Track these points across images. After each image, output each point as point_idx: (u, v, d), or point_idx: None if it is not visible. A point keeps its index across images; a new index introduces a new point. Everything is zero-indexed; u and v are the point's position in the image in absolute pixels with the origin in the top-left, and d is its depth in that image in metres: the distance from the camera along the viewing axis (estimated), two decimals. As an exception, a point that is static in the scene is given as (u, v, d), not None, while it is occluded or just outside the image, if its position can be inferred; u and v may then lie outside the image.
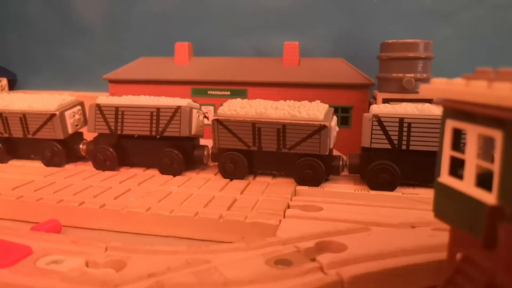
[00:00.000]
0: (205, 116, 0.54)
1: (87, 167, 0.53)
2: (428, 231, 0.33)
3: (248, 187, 0.45)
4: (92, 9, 0.86)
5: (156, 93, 0.55)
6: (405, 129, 0.44)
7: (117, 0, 0.84)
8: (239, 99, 0.51)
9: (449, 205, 0.23)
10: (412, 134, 0.44)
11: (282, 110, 0.46)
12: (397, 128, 0.44)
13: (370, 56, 0.64)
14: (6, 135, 0.56)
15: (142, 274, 0.26)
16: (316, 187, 0.45)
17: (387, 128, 0.44)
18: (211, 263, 0.27)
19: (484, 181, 0.21)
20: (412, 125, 0.44)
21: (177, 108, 0.50)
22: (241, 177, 0.48)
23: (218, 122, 0.47)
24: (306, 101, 0.48)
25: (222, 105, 0.49)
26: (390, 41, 0.59)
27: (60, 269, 0.27)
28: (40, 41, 0.90)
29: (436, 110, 0.43)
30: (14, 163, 0.56)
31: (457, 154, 0.23)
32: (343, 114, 0.64)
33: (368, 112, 0.46)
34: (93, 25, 0.86)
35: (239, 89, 0.68)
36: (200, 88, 0.69)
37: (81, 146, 0.55)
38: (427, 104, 0.45)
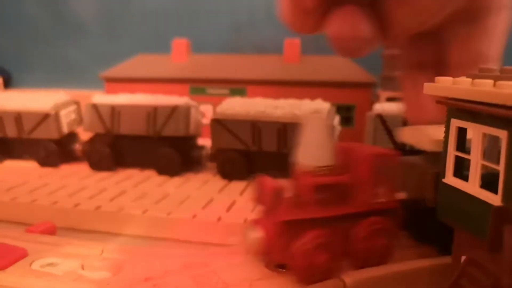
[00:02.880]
0: (203, 116, 0.54)
1: (82, 168, 0.52)
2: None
3: (247, 188, 0.45)
4: (87, 6, 0.85)
5: (153, 92, 0.55)
6: (407, 128, 0.43)
7: (114, -3, 0.83)
8: (238, 98, 0.50)
9: (454, 207, 0.23)
10: (414, 133, 0.43)
11: (283, 109, 0.46)
12: (400, 127, 0.44)
13: (373, 54, 0.63)
14: (0, 134, 0.55)
15: (139, 278, 0.25)
16: (316, 187, 0.45)
17: (391, 127, 0.44)
18: (209, 267, 0.27)
19: (489, 182, 0.21)
20: (414, 124, 0.43)
21: (175, 107, 0.50)
22: (240, 178, 0.48)
23: (216, 121, 0.47)
24: (308, 100, 0.48)
25: (221, 104, 0.49)
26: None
27: (55, 272, 0.26)
28: (35, 39, 0.89)
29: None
30: (8, 164, 0.56)
31: (462, 155, 0.22)
32: (346, 114, 0.64)
33: (371, 111, 0.45)
34: (88, 22, 0.85)
35: (238, 87, 0.67)
36: (199, 87, 0.69)
37: (76, 146, 0.55)
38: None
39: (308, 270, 0.24)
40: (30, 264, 0.27)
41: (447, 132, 0.23)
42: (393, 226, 0.26)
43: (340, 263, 0.25)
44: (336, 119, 0.46)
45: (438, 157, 0.24)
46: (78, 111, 0.57)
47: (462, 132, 0.23)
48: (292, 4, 0.26)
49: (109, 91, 0.71)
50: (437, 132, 0.25)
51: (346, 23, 0.24)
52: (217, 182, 0.47)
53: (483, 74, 0.21)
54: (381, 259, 0.26)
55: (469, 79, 0.21)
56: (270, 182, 0.25)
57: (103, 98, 0.53)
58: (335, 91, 0.63)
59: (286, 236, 0.24)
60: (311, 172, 0.24)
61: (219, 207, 0.39)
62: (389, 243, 0.26)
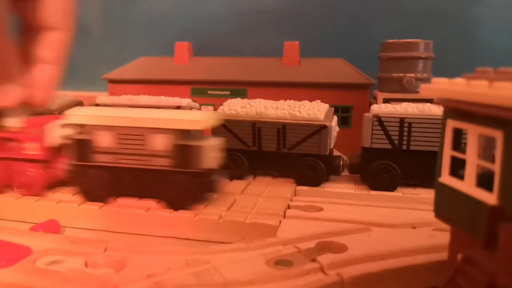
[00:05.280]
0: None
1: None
2: (429, 231, 0.33)
3: (248, 187, 0.45)
4: (92, 9, 0.86)
5: (156, 93, 0.55)
6: (405, 129, 0.44)
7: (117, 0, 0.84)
8: (239, 99, 0.50)
9: (450, 206, 0.23)
10: (412, 134, 0.44)
11: (282, 110, 0.46)
12: (397, 128, 0.44)
13: (370, 56, 0.64)
14: (5, 135, 0.56)
15: (142, 275, 0.26)
16: (317, 187, 0.45)
17: (388, 128, 0.44)
18: (211, 264, 0.27)
19: (484, 181, 0.21)
20: (413, 125, 0.43)
21: (177, 108, 0.50)
22: (241, 177, 0.48)
23: (218, 122, 0.47)
24: (306, 101, 0.48)
25: (222, 105, 0.49)
26: (390, 41, 0.59)
27: (59, 269, 0.27)
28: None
29: (436, 110, 0.43)
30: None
31: (458, 154, 0.23)
32: (343, 114, 0.64)
33: (368, 112, 0.46)
34: (93, 24, 0.86)
35: (239, 89, 0.68)
36: (200, 88, 0.69)
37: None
38: (428, 104, 0.45)
39: None
40: (35, 262, 0.28)
41: (443, 132, 0.24)
42: None
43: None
44: (335, 120, 0.47)
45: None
46: (82, 112, 0.57)
47: (457, 132, 0.23)
48: None
49: (112, 93, 0.72)
50: None
51: None
52: (219, 181, 0.47)
53: (479, 75, 0.22)
54: None
55: (465, 80, 0.21)
56: None
57: (106, 99, 0.53)
58: (333, 93, 0.63)
59: None
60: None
61: (220, 206, 0.39)
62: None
